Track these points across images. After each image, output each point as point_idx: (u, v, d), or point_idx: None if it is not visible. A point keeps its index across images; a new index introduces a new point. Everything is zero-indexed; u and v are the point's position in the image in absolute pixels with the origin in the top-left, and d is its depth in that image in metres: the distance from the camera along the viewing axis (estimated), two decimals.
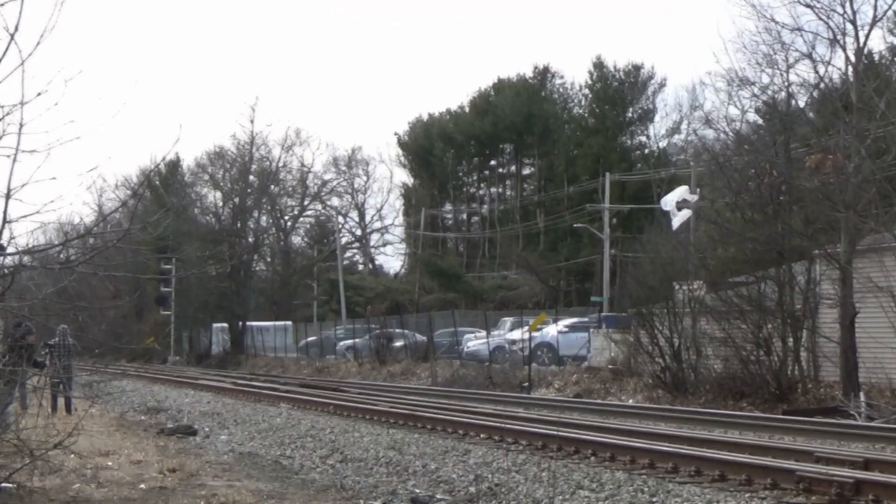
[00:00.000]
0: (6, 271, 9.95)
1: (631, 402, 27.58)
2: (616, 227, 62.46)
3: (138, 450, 15.63)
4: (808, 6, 25.53)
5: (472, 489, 11.94)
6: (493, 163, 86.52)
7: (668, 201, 39.48)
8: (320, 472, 14.06)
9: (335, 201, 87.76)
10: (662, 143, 75.31)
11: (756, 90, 28.35)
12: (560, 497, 11.32)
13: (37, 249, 10.61)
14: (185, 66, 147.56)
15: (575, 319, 42.12)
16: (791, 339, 25.55)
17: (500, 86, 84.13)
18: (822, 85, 27.61)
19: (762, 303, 25.97)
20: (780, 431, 18.35)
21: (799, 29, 26.18)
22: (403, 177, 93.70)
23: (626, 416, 22.55)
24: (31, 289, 11.73)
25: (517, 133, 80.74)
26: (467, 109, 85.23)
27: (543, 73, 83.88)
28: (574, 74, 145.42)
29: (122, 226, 11.50)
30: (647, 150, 75.37)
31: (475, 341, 43.92)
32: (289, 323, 66.56)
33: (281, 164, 76.36)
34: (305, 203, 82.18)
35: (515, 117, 79.65)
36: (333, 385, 36.46)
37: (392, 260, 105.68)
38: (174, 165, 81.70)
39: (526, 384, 32.68)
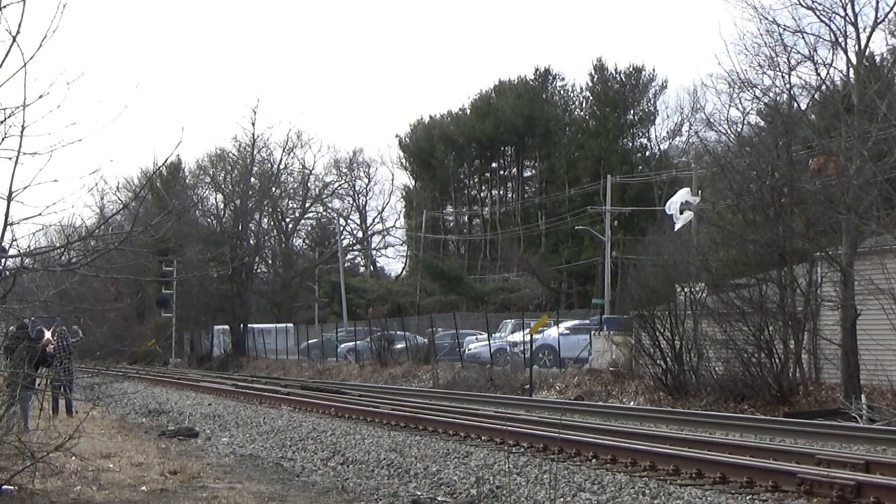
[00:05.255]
0: (8, 273, 9.95)
1: (632, 404, 27.56)
2: (617, 229, 62.48)
3: (139, 452, 15.63)
4: (809, 8, 25.52)
5: (474, 491, 11.94)
6: (494, 165, 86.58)
7: (673, 204, 39.45)
8: (322, 474, 14.07)
9: (336, 203, 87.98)
10: (664, 146, 75.41)
11: (757, 92, 28.33)
12: (561, 499, 11.32)
13: (38, 251, 10.59)
14: (186, 69, 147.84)
15: (576, 321, 42.12)
16: (792, 342, 25.52)
17: (501, 88, 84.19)
18: (823, 87, 27.60)
19: (763, 305, 25.94)
20: (782, 433, 18.33)
21: (800, 31, 26.18)
22: (405, 179, 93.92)
23: (627, 418, 22.54)
24: (32, 291, 11.74)
25: (518, 135, 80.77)
26: (468, 111, 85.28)
27: (544, 76, 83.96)
28: (575, 76, 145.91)
29: (124, 228, 11.48)
30: (648, 153, 75.39)
31: (476, 343, 43.90)
32: (290, 325, 66.55)
33: (282, 167, 76.51)
34: (307, 205, 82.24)
35: (516, 119, 79.69)
36: (335, 387, 36.45)
37: (393, 262, 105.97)
38: (175, 168, 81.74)
39: (527, 386, 32.67)
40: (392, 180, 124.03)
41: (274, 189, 74.94)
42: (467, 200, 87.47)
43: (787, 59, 26.64)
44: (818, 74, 26.88)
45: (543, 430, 16.82)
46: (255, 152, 72.66)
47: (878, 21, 25.35)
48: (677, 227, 37.94)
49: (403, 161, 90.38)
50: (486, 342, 42.40)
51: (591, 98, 78.02)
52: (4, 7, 8.56)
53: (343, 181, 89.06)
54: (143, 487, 11.98)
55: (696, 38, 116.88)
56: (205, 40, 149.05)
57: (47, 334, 19.81)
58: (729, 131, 30.41)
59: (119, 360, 62.21)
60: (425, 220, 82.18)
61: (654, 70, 79.79)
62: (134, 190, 76.72)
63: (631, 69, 75.87)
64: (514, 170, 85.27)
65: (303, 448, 17.27)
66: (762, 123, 31.12)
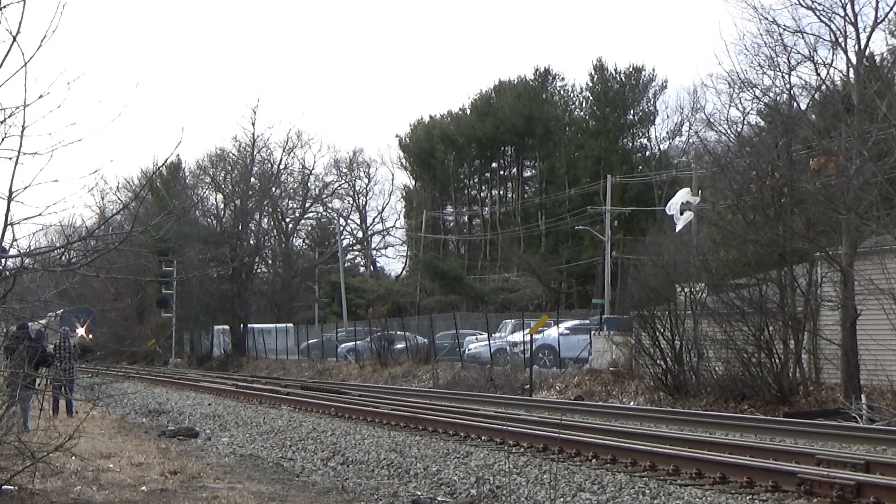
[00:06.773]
0: (8, 273, 9.95)
1: (632, 404, 27.56)
2: (617, 229, 62.43)
3: (140, 452, 15.64)
4: (809, 8, 25.53)
5: (474, 491, 11.95)
6: (494, 165, 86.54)
7: (673, 204, 39.43)
8: (322, 474, 14.07)
9: (336, 203, 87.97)
10: (664, 146, 75.39)
11: (757, 92, 28.31)
12: (561, 499, 11.32)
13: (39, 251, 10.60)
14: (186, 69, 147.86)
15: (576, 322, 42.11)
16: (792, 342, 25.53)
17: (501, 88, 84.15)
18: (823, 87, 27.60)
19: (764, 305, 25.94)
20: (782, 434, 18.34)
21: (800, 31, 26.17)
22: (405, 179, 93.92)
23: (627, 418, 22.55)
24: (33, 291, 11.74)
25: (518, 135, 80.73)
26: (468, 111, 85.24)
27: (544, 76, 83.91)
28: (575, 76, 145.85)
29: (124, 228, 11.48)
30: (648, 153, 75.39)
31: (476, 343, 43.90)
32: (290, 325, 66.55)
33: (282, 167, 76.49)
34: (307, 205, 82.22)
35: (516, 119, 79.66)
36: (335, 387, 36.46)
37: (393, 262, 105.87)
38: (175, 168, 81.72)
39: (527, 386, 32.66)
40: (392, 180, 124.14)
41: (274, 189, 74.93)
42: (467, 200, 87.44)
43: (787, 59, 26.65)
44: (818, 74, 26.91)
45: (543, 430, 16.82)
46: (255, 152, 72.69)
47: (878, 21, 25.38)
48: (678, 227, 37.91)
49: (403, 161, 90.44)
50: (486, 342, 42.39)
51: (590, 98, 77.99)
52: (4, 7, 8.58)
53: (343, 181, 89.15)
54: (144, 487, 11.98)
55: (696, 38, 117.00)
56: (204, 40, 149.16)
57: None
58: (729, 131, 30.39)
59: (119, 360, 62.19)
60: (425, 220, 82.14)
61: (654, 70, 79.93)
62: (134, 190, 76.72)
63: (631, 69, 75.92)
64: (514, 170, 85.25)
65: (303, 448, 17.27)
66: (762, 123, 31.10)
